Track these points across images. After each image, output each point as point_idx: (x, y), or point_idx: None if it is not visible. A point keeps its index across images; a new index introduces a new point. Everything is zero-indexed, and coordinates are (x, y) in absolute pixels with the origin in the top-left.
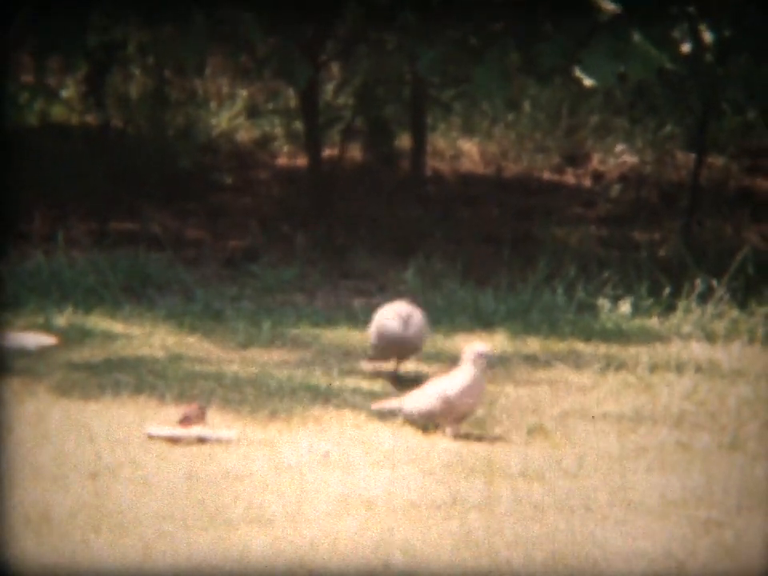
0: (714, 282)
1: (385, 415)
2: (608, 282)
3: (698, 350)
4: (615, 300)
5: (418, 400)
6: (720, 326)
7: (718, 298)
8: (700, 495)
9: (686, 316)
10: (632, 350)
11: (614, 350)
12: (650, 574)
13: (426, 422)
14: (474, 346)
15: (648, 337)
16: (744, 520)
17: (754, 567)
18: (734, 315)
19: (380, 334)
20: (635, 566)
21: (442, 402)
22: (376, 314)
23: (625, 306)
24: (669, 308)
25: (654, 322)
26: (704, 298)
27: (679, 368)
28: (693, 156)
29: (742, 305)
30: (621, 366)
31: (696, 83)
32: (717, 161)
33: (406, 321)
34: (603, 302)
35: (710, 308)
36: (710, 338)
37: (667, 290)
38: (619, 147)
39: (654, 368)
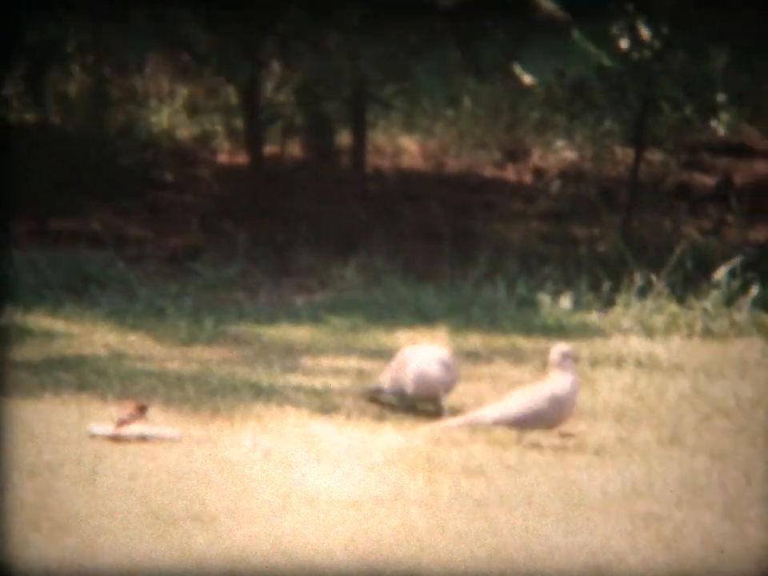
0: (653, 277)
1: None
2: (548, 277)
3: (637, 344)
4: (555, 295)
5: (511, 404)
6: (659, 321)
7: (656, 292)
8: (640, 490)
9: (626, 311)
10: (573, 345)
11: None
12: (591, 567)
13: (519, 428)
14: (558, 348)
15: (588, 332)
16: (683, 513)
17: (693, 560)
18: (673, 309)
19: (421, 382)
20: (576, 560)
21: (550, 403)
22: (402, 355)
23: (565, 302)
24: (608, 303)
25: (593, 317)
26: (643, 292)
27: (619, 362)
28: (631, 152)
29: (681, 299)
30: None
31: (634, 79)
32: (655, 156)
33: (448, 366)
34: (543, 298)
35: (649, 302)
36: (649, 332)
37: (607, 285)
38: (559, 143)
39: (594, 363)
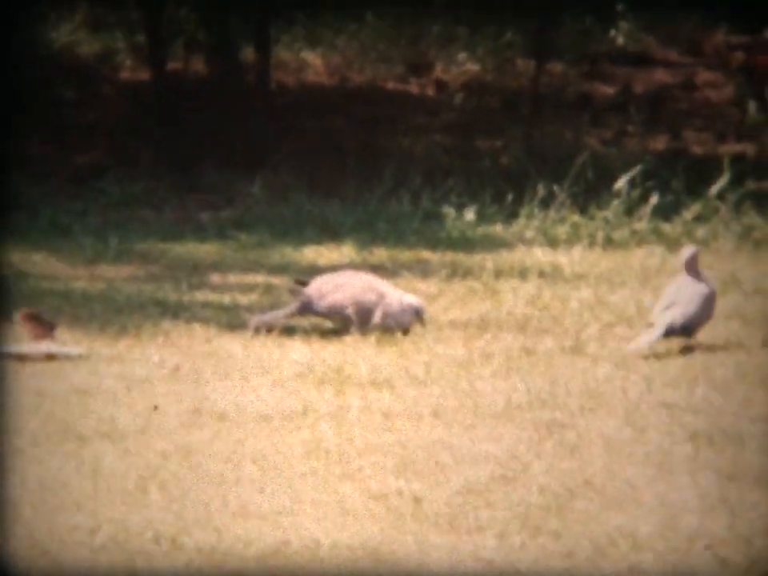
0: (555, 188)
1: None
2: (452, 190)
3: (540, 254)
4: (460, 208)
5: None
6: (562, 231)
7: (559, 203)
8: (544, 398)
9: (529, 222)
10: (477, 257)
11: (460, 257)
12: (497, 475)
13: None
14: (687, 250)
15: (492, 243)
16: (585, 420)
17: (596, 467)
18: (575, 220)
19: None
20: (482, 469)
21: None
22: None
23: (469, 214)
24: (512, 215)
25: (497, 228)
26: (546, 203)
27: (523, 273)
28: (533, 63)
29: (583, 209)
30: (466, 273)
31: None
32: (556, 67)
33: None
34: (448, 211)
35: (551, 213)
36: (552, 242)
37: (510, 197)
38: (461, 56)
39: (498, 274)
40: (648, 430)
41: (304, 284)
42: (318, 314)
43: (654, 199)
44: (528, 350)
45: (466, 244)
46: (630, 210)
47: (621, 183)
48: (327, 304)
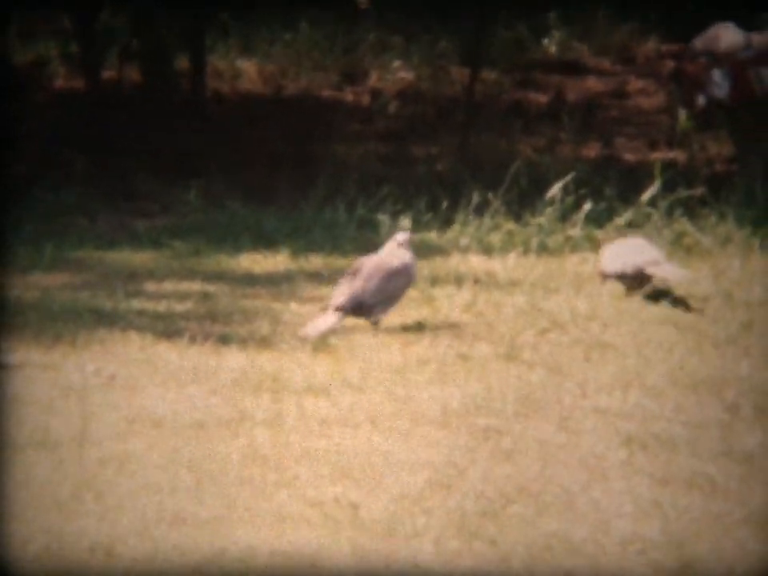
0: (490, 195)
1: None
2: (388, 197)
3: (475, 261)
4: (395, 215)
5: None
6: (496, 238)
7: (493, 210)
8: (479, 404)
9: (464, 229)
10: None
11: None
12: (433, 481)
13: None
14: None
15: (428, 250)
16: (521, 426)
17: (531, 473)
18: (509, 227)
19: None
20: (419, 475)
21: None
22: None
23: (404, 221)
24: (447, 222)
25: (433, 235)
26: (480, 210)
27: (458, 280)
28: (467, 71)
29: (517, 216)
30: None
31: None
32: (490, 75)
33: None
34: (383, 218)
35: (486, 220)
36: (486, 249)
37: (445, 204)
38: (396, 64)
39: (434, 281)
40: (582, 435)
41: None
42: (371, 306)
43: (587, 206)
44: (463, 356)
45: None
46: (564, 217)
47: (554, 190)
48: (372, 293)
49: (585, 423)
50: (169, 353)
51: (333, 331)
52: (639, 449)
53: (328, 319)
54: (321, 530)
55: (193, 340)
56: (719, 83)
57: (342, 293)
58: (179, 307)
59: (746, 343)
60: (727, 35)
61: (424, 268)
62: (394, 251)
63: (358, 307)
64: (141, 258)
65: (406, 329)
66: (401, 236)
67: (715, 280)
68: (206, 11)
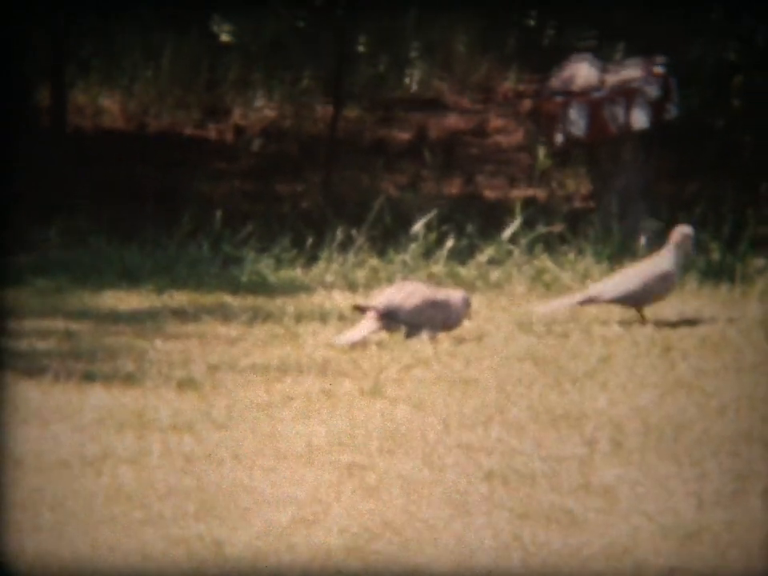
0: (354, 232)
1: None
2: (252, 234)
3: (340, 298)
4: (259, 252)
5: (626, 283)
6: (360, 275)
7: (357, 247)
8: (344, 440)
9: (328, 266)
10: (278, 301)
11: (260, 301)
12: (298, 518)
13: (634, 305)
14: (682, 228)
15: (293, 287)
16: (385, 462)
17: (395, 508)
18: (374, 263)
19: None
20: (283, 512)
21: (661, 279)
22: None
23: (269, 259)
24: (312, 259)
25: (297, 272)
26: (345, 247)
27: (323, 317)
28: (330, 109)
29: (381, 253)
30: (267, 317)
31: (329, 36)
32: (352, 112)
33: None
34: (248, 255)
35: (350, 257)
36: (351, 286)
37: (309, 241)
38: (258, 101)
39: (299, 318)
40: (445, 470)
41: (363, 309)
42: (401, 321)
43: (450, 243)
44: (328, 392)
45: (266, 288)
46: (427, 254)
47: (417, 227)
48: (408, 309)
49: (448, 458)
50: (31, 391)
51: (367, 340)
52: (500, 483)
53: (364, 326)
54: (185, 568)
55: (56, 378)
56: (575, 121)
57: (381, 296)
58: (42, 345)
59: (603, 378)
60: (582, 73)
61: (289, 305)
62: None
63: (393, 315)
64: (1, 295)
65: (270, 366)
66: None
67: (573, 316)
68: (65, 44)
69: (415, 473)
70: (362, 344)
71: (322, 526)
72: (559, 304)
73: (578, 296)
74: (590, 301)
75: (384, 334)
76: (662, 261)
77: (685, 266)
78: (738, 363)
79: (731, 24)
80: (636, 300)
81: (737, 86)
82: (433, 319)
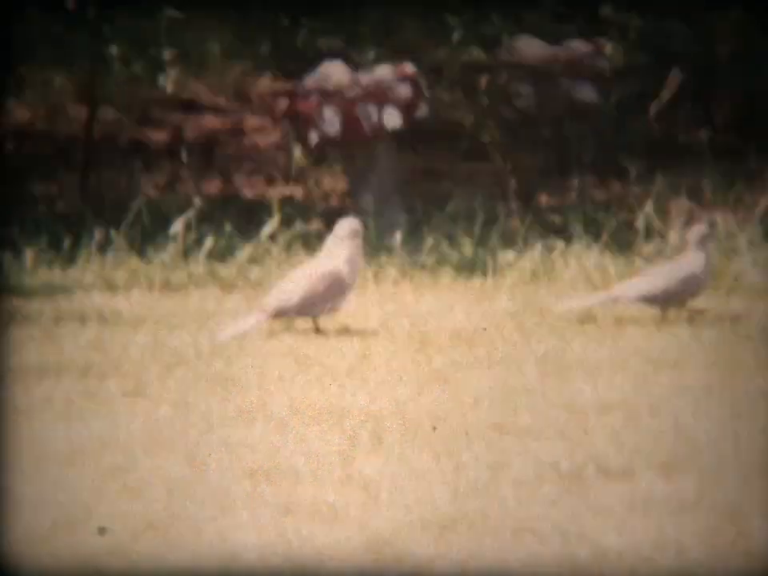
0: (112, 233)
1: None
2: (8, 237)
3: (99, 299)
4: (17, 254)
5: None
6: (120, 275)
7: (116, 248)
8: (106, 441)
9: (87, 267)
10: (35, 304)
11: (18, 303)
12: (59, 522)
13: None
14: (698, 228)
15: (51, 289)
16: (148, 462)
17: (158, 509)
18: (133, 264)
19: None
20: (46, 515)
21: (688, 280)
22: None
23: (26, 260)
24: (70, 260)
25: (55, 274)
26: (103, 248)
27: (82, 319)
28: (85, 109)
29: (140, 253)
30: (25, 319)
31: (83, 37)
32: (108, 113)
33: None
34: (6, 257)
35: (109, 258)
36: (110, 287)
37: (67, 243)
38: (9, 102)
39: (57, 320)
40: (209, 468)
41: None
42: (291, 314)
43: (209, 242)
44: (90, 394)
45: (23, 290)
46: (187, 253)
47: (176, 227)
48: (296, 302)
49: (211, 457)
50: None
51: (247, 333)
52: (264, 480)
53: (247, 321)
54: None
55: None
56: (330, 120)
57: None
58: None
59: (363, 374)
60: (336, 73)
61: (47, 307)
62: (334, 249)
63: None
64: None
65: (30, 369)
66: (344, 227)
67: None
68: None
69: (178, 472)
70: (242, 338)
71: (84, 529)
72: (581, 302)
73: (602, 295)
74: (614, 300)
75: (268, 325)
76: (686, 262)
77: (710, 263)
78: (490, 356)
79: (475, 29)
80: (662, 300)
81: (483, 86)
82: (326, 297)
